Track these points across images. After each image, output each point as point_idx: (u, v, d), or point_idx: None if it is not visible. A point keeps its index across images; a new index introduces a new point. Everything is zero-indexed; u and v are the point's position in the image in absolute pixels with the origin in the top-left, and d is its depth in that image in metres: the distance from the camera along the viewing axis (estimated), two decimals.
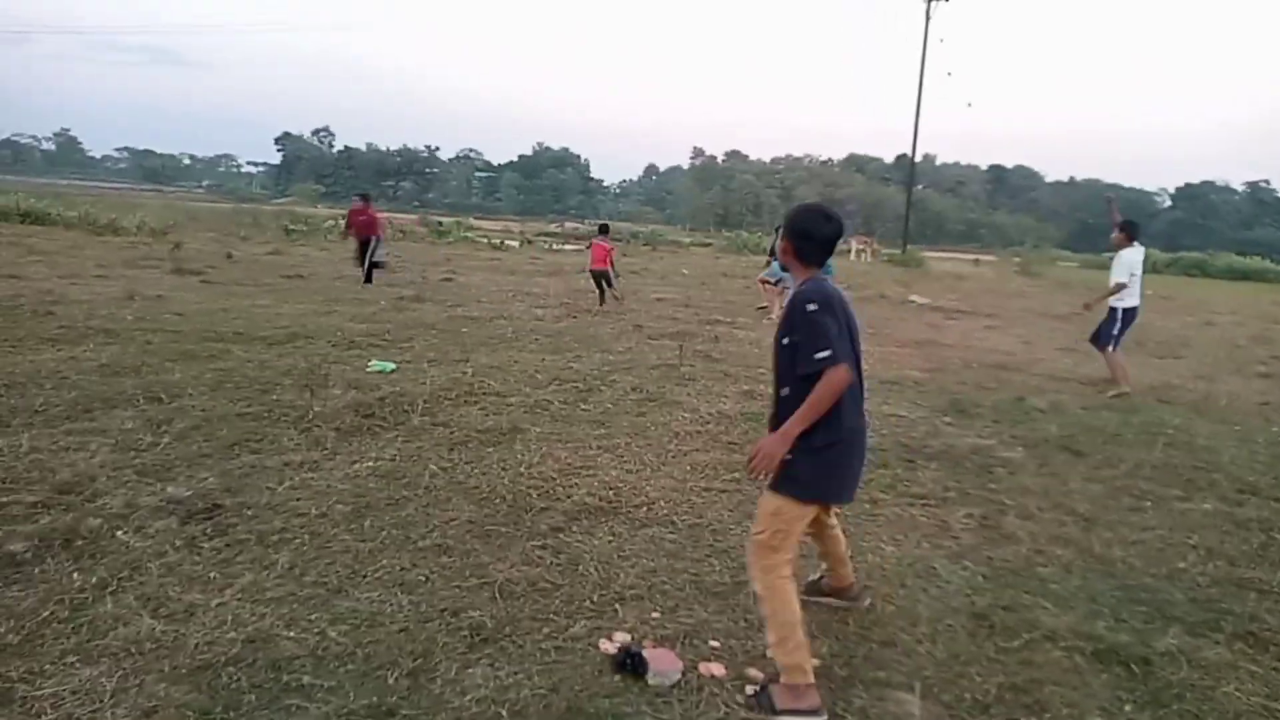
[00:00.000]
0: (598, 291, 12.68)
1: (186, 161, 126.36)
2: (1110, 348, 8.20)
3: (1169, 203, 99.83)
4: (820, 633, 3.09)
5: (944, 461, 5.38)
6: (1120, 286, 7.99)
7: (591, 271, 12.67)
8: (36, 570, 3.23)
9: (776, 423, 2.66)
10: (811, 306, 2.58)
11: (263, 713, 2.43)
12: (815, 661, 2.69)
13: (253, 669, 2.65)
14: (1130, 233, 8.16)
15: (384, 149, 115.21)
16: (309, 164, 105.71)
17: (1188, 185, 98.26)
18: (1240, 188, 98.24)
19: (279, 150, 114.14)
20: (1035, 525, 4.35)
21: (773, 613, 2.63)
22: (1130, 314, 8.16)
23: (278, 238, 24.73)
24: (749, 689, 2.69)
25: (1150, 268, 49.68)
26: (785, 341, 2.66)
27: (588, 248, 13.52)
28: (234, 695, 2.51)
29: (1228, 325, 16.43)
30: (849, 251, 37.95)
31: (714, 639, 3.01)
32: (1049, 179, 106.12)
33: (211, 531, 3.69)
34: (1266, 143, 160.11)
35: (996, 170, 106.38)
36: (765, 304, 13.01)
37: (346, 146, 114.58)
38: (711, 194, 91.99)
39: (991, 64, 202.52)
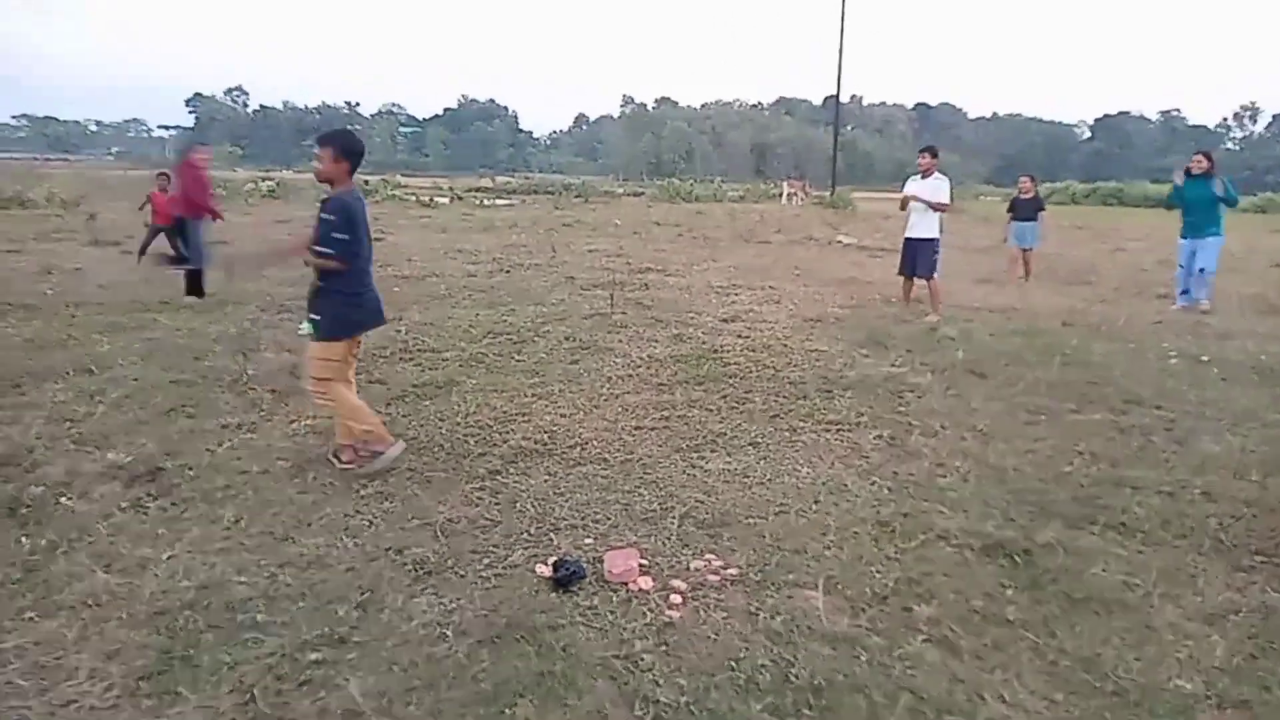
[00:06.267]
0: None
1: (93, 128, 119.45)
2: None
3: (1088, 134, 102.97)
4: (738, 546, 3.39)
5: (859, 390, 5.72)
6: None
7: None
8: None
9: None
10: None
11: (222, 648, 2.61)
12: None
13: (208, 611, 2.82)
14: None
15: (302, 107, 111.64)
16: (223, 126, 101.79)
17: (1105, 116, 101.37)
18: (1155, 117, 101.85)
19: (190, 113, 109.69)
20: (938, 442, 4.72)
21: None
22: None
23: None
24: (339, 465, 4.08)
25: (1070, 198, 50.42)
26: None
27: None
28: (192, 635, 2.68)
29: (1137, 251, 17.21)
30: (780, 195, 38.26)
31: (643, 557, 3.27)
32: (972, 116, 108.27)
33: (156, 493, 3.80)
34: (1179, 71, 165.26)
35: (922, 109, 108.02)
36: (1009, 269, 12.16)
37: (262, 105, 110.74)
38: (643, 142, 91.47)
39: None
